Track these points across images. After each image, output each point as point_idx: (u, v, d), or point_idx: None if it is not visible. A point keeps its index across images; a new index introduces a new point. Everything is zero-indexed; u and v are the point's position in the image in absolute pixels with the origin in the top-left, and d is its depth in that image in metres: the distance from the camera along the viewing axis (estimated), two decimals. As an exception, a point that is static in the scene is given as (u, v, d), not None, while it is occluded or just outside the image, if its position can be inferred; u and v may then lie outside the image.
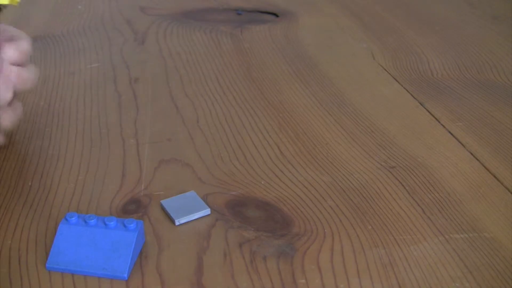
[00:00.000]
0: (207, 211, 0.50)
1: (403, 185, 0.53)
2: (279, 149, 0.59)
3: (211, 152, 0.58)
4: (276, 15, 0.92)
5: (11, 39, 0.54)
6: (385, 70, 0.74)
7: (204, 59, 0.78)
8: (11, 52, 0.54)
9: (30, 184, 0.53)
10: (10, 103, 0.54)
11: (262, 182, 0.54)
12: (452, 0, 0.97)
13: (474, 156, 0.57)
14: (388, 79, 0.72)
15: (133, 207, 0.51)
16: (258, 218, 0.49)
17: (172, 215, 0.49)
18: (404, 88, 0.70)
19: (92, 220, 0.45)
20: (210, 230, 0.48)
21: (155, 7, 0.96)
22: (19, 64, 0.55)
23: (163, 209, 0.50)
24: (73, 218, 0.45)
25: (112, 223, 0.45)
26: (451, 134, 0.61)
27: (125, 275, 0.43)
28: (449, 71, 0.74)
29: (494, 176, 0.54)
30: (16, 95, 0.55)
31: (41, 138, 0.61)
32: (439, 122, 0.63)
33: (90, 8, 0.95)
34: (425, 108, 0.65)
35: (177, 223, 0.49)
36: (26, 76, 0.55)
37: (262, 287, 0.43)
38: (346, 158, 0.57)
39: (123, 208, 0.51)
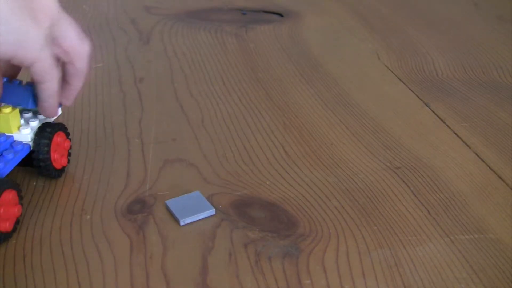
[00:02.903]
0: (212, 211, 0.50)
1: (408, 186, 0.53)
2: (284, 150, 0.59)
3: (216, 152, 0.58)
4: (281, 15, 0.92)
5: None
6: (390, 70, 0.74)
7: (209, 59, 0.78)
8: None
9: (34, 183, 0.54)
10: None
11: (267, 183, 0.54)
12: (457, 0, 0.97)
13: (479, 157, 0.57)
14: (393, 79, 0.72)
15: (138, 207, 0.51)
16: (263, 219, 0.49)
17: (177, 215, 0.49)
18: (409, 88, 0.70)
19: None
20: (215, 230, 0.48)
21: (160, 7, 0.96)
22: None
23: (168, 209, 0.50)
24: None
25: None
26: (456, 134, 0.61)
27: None
28: (454, 72, 0.74)
29: (499, 177, 0.54)
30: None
31: (46, 137, 0.61)
32: (444, 122, 0.63)
33: (95, 8, 0.95)
34: (430, 109, 0.65)
35: (182, 223, 0.49)
36: None
37: (267, 288, 0.43)
38: (351, 159, 0.57)
39: (128, 208, 0.51)
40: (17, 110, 0.51)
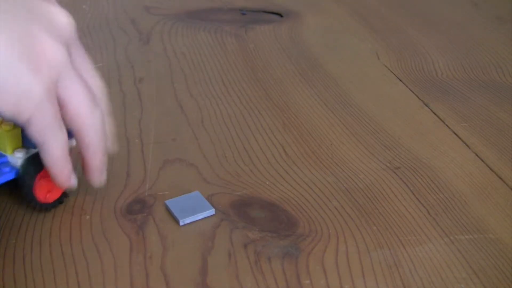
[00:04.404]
0: (212, 211, 0.50)
1: (407, 186, 0.53)
2: (283, 150, 0.59)
3: (215, 152, 0.58)
4: (280, 15, 0.92)
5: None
6: (390, 70, 0.74)
7: (209, 59, 0.78)
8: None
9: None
10: None
11: (267, 183, 0.54)
12: (456, 0, 0.97)
13: (479, 157, 0.57)
14: (392, 79, 0.72)
15: (137, 207, 0.51)
16: (262, 219, 0.49)
17: (176, 215, 0.49)
18: (409, 88, 0.70)
19: None
20: (215, 230, 0.48)
21: (160, 7, 0.96)
22: None
23: (167, 209, 0.50)
24: None
25: None
26: (456, 135, 0.61)
27: None
28: (454, 72, 0.74)
29: (499, 177, 0.54)
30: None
31: (45, 137, 0.61)
32: (444, 122, 0.63)
33: (94, 8, 0.95)
34: (429, 109, 0.65)
35: (181, 223, 0.49)
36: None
37: (266, 288, 0.43)
38: (350, 159, 0.57)
39: (128, 208, 0.51)
40: (18, 129, 0.47)
